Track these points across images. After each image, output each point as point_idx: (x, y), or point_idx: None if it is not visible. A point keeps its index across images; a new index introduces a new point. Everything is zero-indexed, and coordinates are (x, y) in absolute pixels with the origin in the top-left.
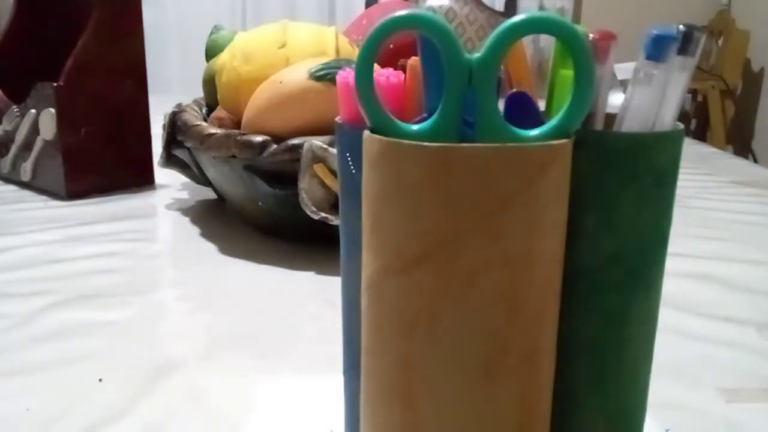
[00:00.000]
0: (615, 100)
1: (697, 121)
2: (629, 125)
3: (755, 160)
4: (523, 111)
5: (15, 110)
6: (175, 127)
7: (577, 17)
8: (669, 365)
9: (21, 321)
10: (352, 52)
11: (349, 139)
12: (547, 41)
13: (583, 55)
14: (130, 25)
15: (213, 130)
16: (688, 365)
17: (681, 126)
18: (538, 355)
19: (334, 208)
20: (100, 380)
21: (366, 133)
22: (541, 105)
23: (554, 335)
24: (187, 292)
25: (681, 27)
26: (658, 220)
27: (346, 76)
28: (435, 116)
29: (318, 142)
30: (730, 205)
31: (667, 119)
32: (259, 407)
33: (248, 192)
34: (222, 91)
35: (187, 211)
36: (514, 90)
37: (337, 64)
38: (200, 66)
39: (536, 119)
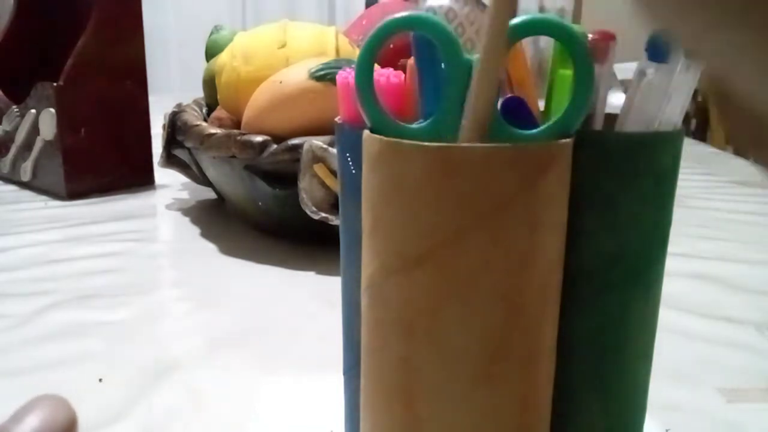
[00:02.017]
0: (615, 100)
1: (697, 121)
2: (631, 127)
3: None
4: (518, 117)
5: (15, 110)
6: (175, 127)
7: (577, 17)
8: (669, 365)
9: (21, 321)
10: (352, 52)
11: (349, 139)
12: (547, 41)
13: (582, 57)
14: (130, 25)
15: (213, 130)
16: (688, 365)
17: (681, 126)
18: (538, 355)
19: (334, 208)
20: (100, 380)
21: (366, 133)
22: (541, 105)
23: (554, 335)
24: (187, 292)
25: None
26: (659, 220)
27: (346, 76)
28: (435, 116)
29: (318, 142)
30: (730, 205)
31: (673, 121)
32: (260, 407)
33: (248, 192)
34: (222, 91)
35: (187, 211)
36: (509, 95)
37: (337, 64)
38: (200, 66)
39: (531, 125)
